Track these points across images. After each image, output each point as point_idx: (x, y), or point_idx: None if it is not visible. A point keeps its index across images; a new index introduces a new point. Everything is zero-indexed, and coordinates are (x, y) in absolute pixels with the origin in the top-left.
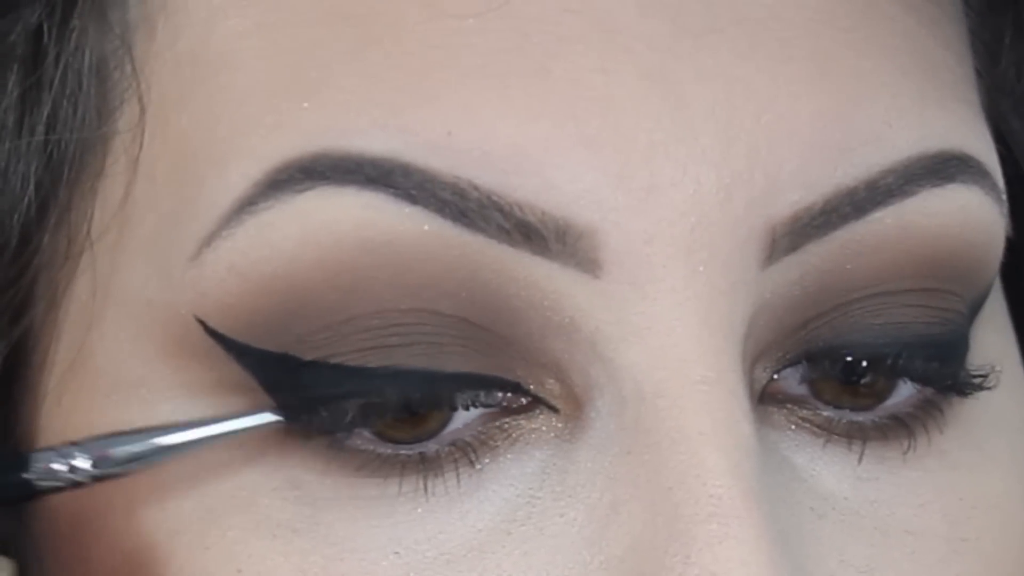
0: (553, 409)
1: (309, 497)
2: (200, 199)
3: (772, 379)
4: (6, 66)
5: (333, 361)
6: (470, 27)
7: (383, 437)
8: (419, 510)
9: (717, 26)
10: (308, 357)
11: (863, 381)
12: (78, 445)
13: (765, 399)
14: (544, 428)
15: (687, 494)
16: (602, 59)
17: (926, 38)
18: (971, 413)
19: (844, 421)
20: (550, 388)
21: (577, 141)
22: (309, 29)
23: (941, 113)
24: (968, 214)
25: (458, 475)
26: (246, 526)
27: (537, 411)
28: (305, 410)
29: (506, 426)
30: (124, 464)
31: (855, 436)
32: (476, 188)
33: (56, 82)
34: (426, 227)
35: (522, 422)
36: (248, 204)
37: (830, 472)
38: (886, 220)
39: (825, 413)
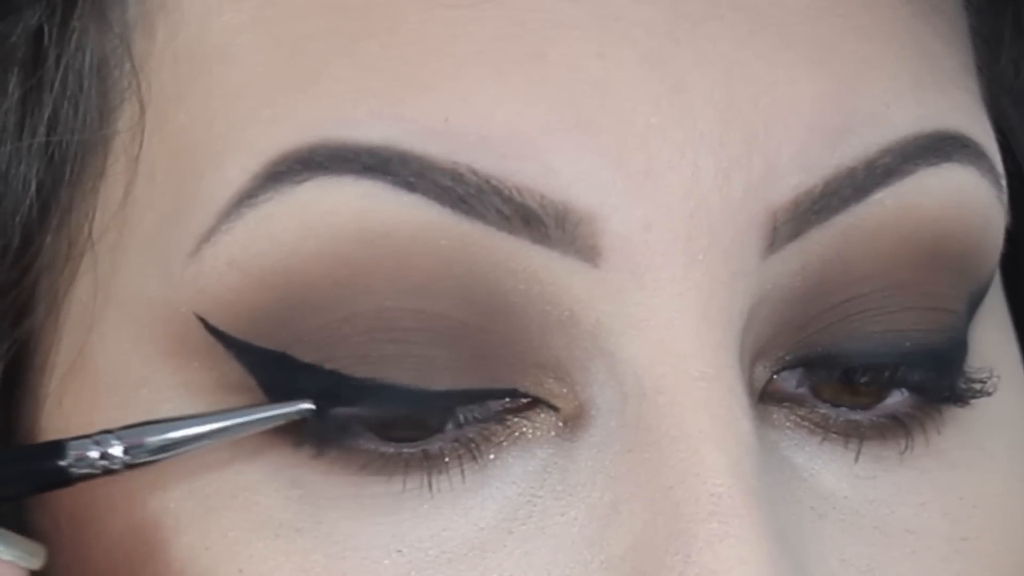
0: (553, 408)
1: (311, 496)
2: (199, 195)
3: (771, 379)
4: (7, 68)
5: (329, 367)
6: (465, 16)
7: (386, 436)
8: (424, 507)
9: (716, 12)
10: (306, 359)
11: (862, 381)
12: (113, 433)
13: (764, 398)
14: (545, 427)
15: (687, 493)
16: (600, 44)
17: (924, 28)
18: (970, 413)
19: (841, 419)
20: (549, 388)
21: (575, 125)
22: (304, 21)
23: (938, 96)
24: (965, 194)
25: (462, 471)
26: (248, 526)
27: (537, 410)
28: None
29: (509, 423)
30: (158, 452)
31: (852, 435)
32: (474, 172)
33: (57, 83)
34: (425, 217)
35: (523, 421)
36: (247, 197)
37: (828, 471)
38: (885, 201)
39: (822, 410)
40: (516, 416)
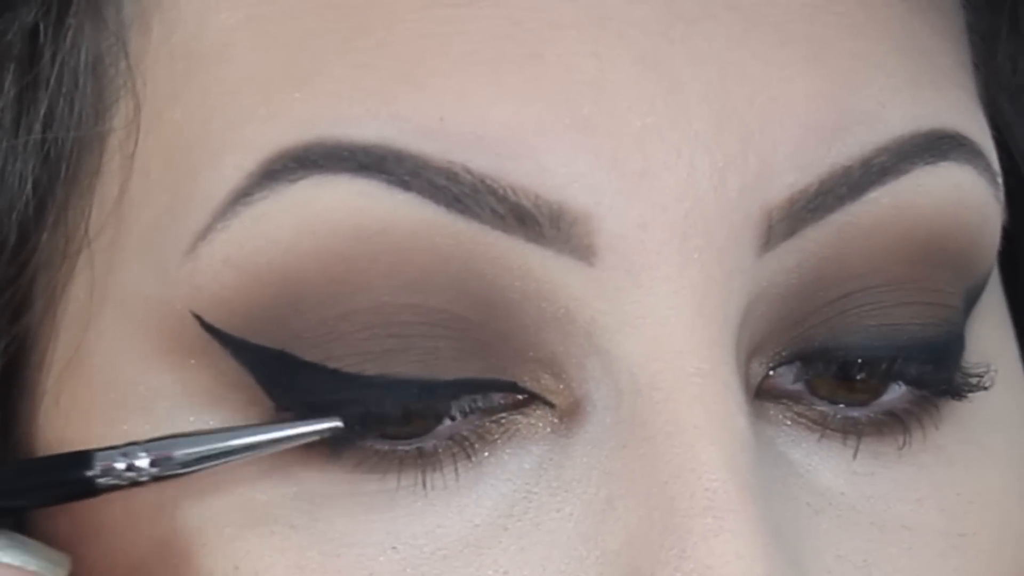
0: (549, 404)
1: (307, 494)
2: (195, 193)
3: (768, 375)
4: (2, 66)
5: (331, 366)
6: (461, 15)
7: (381, 434)
8: (418, 504)
9: (711, 11)
10: (306, 357)
11: (859, 377)
12: (140, 445)
13: (761, 394)
14: (540, 423)
15: (682, 488)
16: (595, 44)
17: (921, 25)
18: (968, 409)
19: (839, 416)
20: (546, 383)
21: (570, 125)
22: (300, 20)
23: (934, 94)
24: (962, 192)
25: (456, 469)
26: (243, 523)
27: (533, 406)
28: (302, 413)
29: (503, 421)
30: (186, 466)
31: (850, 431)
32: (469, 172)
33: (52, 81)
34: (420, 215)
35: (519, 417)
36: (243, 195)
37: (826, 467)
38: (881, 200)
39: (820, 408)
40: (512, 413)
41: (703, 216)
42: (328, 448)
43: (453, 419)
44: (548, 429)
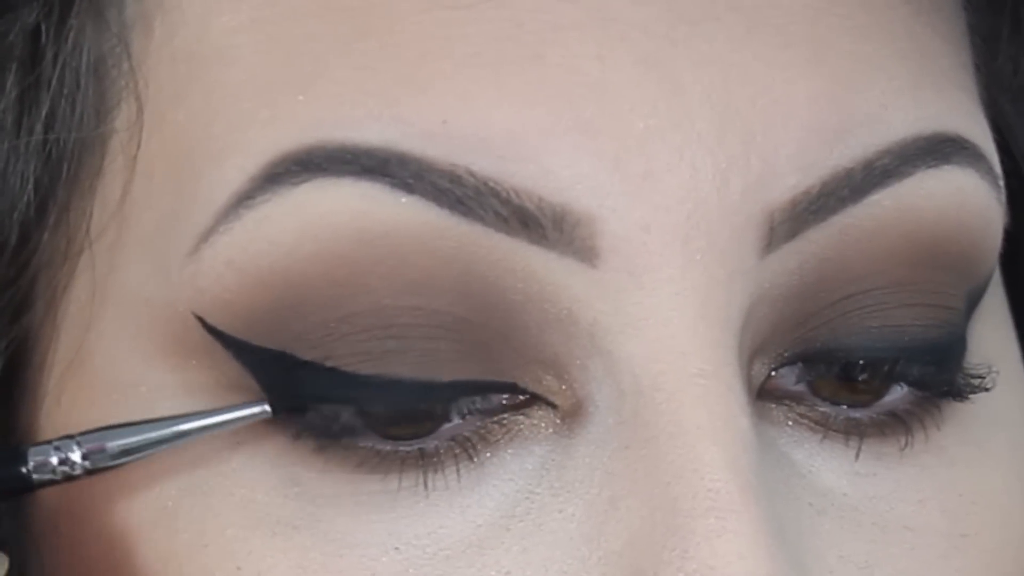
0: (551, 405)
1: (308, 494)
2: (197, 195)
3: (770, 375)
4: (4, 66)
5: (329, 364)
6: (464, 17)
7: (382, 434)
8: (420, 505)
9: (713, 13)
10: (306, 357)
11: (861, 378)
12: (72, 439)
13: (763, 395)
14: (543, 424)
15: (685, 488)
16: (598, 46)
17: (923, 27)
18: (970, 410)
19: (841, 417)
20: (548, 384)
21: (573, 127)
22: (303, 22)
23: (937, 96)
24: (964, 196)
25: (458, 470)
26: (245, 523)
27: (536, 407)
28: (301, 412)
29: (505, 421)
30: (117, 457)
31: (852, 432)
32: (472, 175)
33: (54, 81)
34: (423, 218)
35: (521, 418)
36: (245, 198)
37: (828, 468)
38: (883, 203)
39: (822, 409)
40: (514, 413)
41: (705, 218)
42: (330, 448)
43: (452, 421)
44: (550, 430)
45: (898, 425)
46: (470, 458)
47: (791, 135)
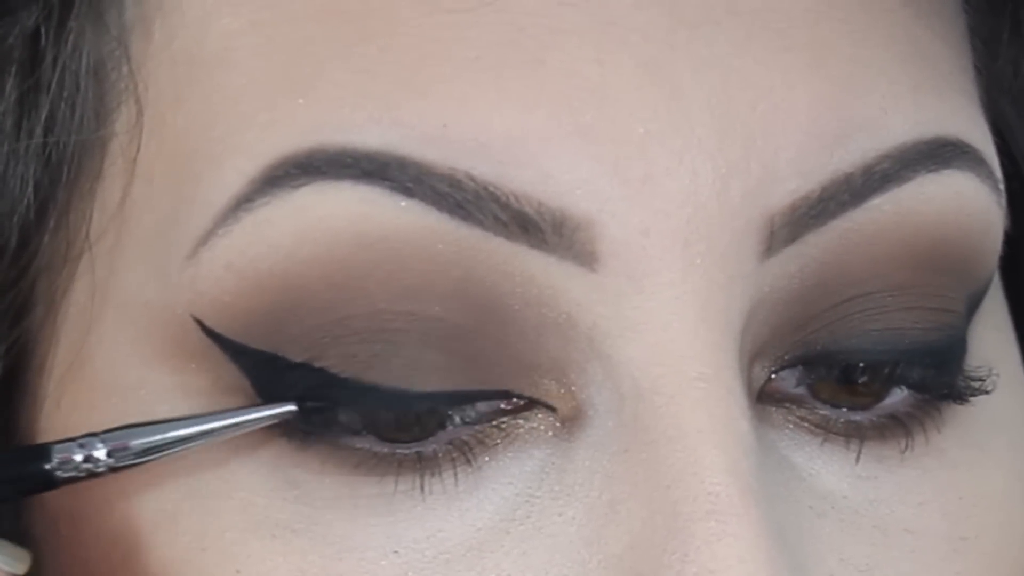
0: (550, 408)
1: (307, 497)
2: (196, 198)
3: (770, 378)
4: (4, 69)
5: (318, 365)
6: (464, 21)
7: (382, 436)
8: (417, 508)
9: (713, 17)
10: (297, 359)
11: (861, 381)
12: (97, 436)
13: (763, 398)
14: (542, 427)
15: (685, 492)
16: (597, 50)
17: (923, 30)
18: (970, 412)
19: (842, 420)
20: (546, 388)
21: (573, 131)
22: (303, 25)
23: (937, 101)
24: (964, 200)
25: (456, 474)
26: (244, 526)
27: (535, 411)
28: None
29: (504, 425)
30: (142, 455)
31: (853, 435)
32: (472, 179)
33: (54, 84)
34: (422, 222)
35: (520, 422)
36: (245, 201)
37: (829, 471)
38: (883, 207)
39: (822, 412)
40: (513, 418)
41: (705, 222)
42: (328, 450)
43: (445, 427)
44: (550, 433)
45: (898, 428)
46: (468, 463)
47: (791, 139)
